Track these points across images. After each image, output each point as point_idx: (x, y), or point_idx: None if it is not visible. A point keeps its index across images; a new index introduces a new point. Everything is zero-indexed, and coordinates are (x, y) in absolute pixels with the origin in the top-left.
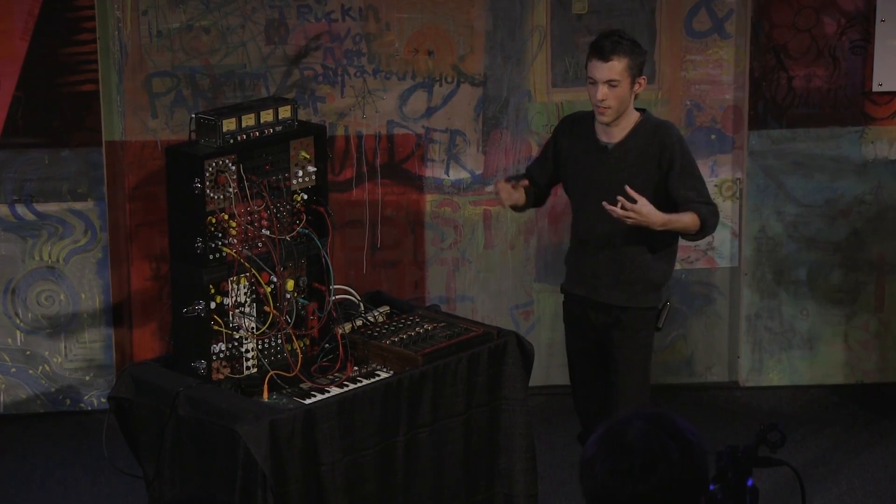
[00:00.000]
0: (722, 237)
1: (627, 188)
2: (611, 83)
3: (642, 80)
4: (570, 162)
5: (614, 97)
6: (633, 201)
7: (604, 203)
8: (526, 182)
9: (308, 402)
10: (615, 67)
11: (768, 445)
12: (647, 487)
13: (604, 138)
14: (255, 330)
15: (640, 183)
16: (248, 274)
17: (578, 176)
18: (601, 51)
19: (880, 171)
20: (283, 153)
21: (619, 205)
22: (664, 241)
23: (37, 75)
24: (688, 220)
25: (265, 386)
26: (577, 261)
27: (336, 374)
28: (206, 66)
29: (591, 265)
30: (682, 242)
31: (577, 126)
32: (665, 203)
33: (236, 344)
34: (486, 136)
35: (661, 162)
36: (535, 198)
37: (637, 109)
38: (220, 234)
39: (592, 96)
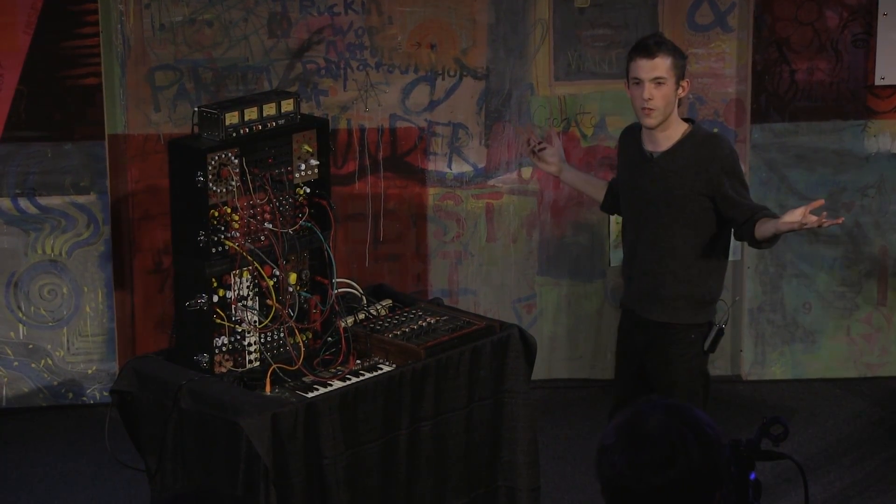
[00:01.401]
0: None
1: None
2: (657, 80)
3: (685, 83)
4: (620, 171)
5: (661, 96)
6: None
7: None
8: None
9: (310, 395)
10: (661, 65)
11: (771, 439)
12: (664, 480)
13: (650, 147)
14: (257, 323)
15: (683, 194)
16: (250, 267)
17: (625, 185)
18: (646, 48)
19: (883, 164)
20: (286, 146)
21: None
22: (711, 255)
23: (39, 69)
24: (771, 226)
25: (267, 379)
26: (626, 273)
27: (338, 368)
28: (208, 59)
29: (635, 278)
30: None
31: (630, 135)
32: (702, 214)
33: (239, 337)
34: (489, 129)
35: (711, 174)
36: (615, 206)
37: (686, 120)
38: (222, 228)
39: (637, 98)
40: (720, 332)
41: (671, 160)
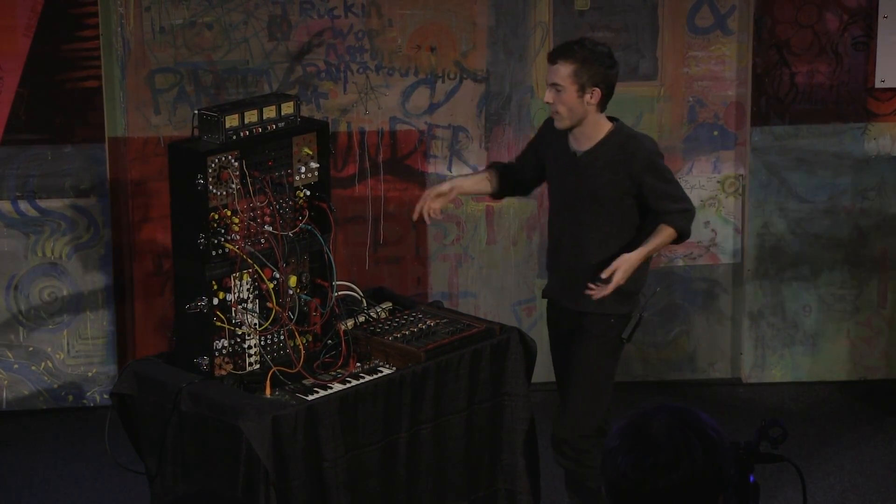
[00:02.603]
0: (725, 233)
1: (592, 292)
2: (555, 87)
3: (595, 90)
4: (548, 165)
5: (560, 102)
6: (608, 281)
7: (589, 288)
8: (451, 193)
9: (310, 398)
10: (559, 72)
11: (770, 441)
12: (668, 483)
13: (574, 145)
14: (257, 326)
15: (606, 192)
16: (250, 270)
17: (552, 180)
18: (551, 53)
19: (883, 167)
20: (286, 149)
21: (598, 289)
22: (634, 248)
23: (40, 71)
24: (664, 237)
25: (268, 382)
26: (550, 265)
27: (338, 371)
28: (208, 62)
29: (562, 270)
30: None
31: (554, 133)
32: (626, 210)
33: (239, 340)
34: (489, 132)
35: (633, 173)
36: (514, 187)
37: (611, 119)
38: (222, 231)
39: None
40: (640, 322)
41: (594, 159)
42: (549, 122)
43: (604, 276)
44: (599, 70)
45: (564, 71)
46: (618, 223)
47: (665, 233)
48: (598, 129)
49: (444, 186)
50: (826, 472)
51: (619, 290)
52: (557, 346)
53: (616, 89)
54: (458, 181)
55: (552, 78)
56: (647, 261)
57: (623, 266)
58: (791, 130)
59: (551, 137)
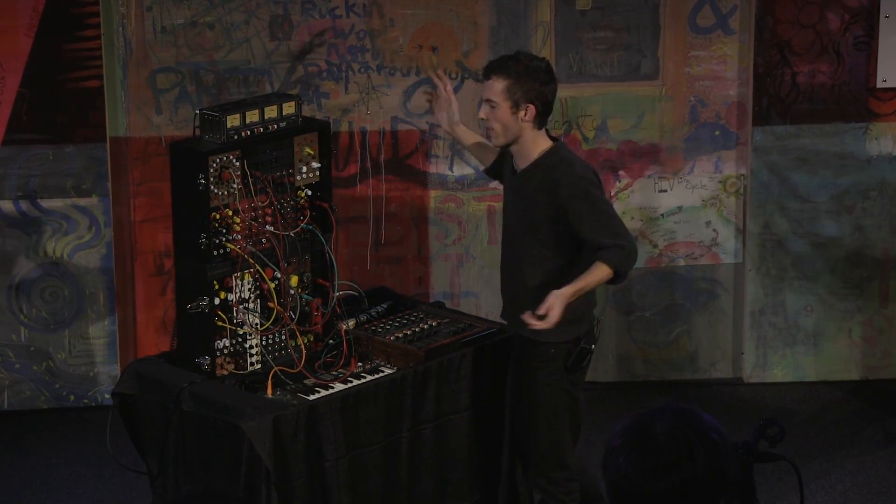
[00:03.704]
0: (726, 233)
1: (525, 317)
2: (489, 103)
3: (529, 107)
4: (503, 179)
5: (494, 118)
6: (542, 316)
7: (526, 319)
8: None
9: (312, 398)
10: (492, 87)
11: (768, 440)
12: (668, 484)
13: (516, 162)
14: (258, 326)
15: (536, 216)
16: (252, 270)
17: (503, 196)
18: (485, 68)
19: (884, 166)
20: (287, 149)
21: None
22: (571, 274)
23: (41, 71)
24: (598, 275)
25: (269, 382)
26: (502, 289)
27: (340, 371)
28: (210, 62)
29: (506, 293)
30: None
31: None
32: (560, 236)
33: (240, 340)
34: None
35: (556, 201)
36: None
37: (553, 139)
38: (224, 230)
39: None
40: (584, 352)
41: (527, 180)
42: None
43: (539, 312)
44: (534, 86)
45: (498, 86)
46: (552, 247)
47: (599, 270)
48: (534, 148)
49: (454, 120)
50: (827, 471)
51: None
52: (511, 370)
53: (617, 89)
54: (465, 131)
55: (486, 94)
56: (591, 291)
57: (556, 304)
58: (792, 130)
59: (506, 161)
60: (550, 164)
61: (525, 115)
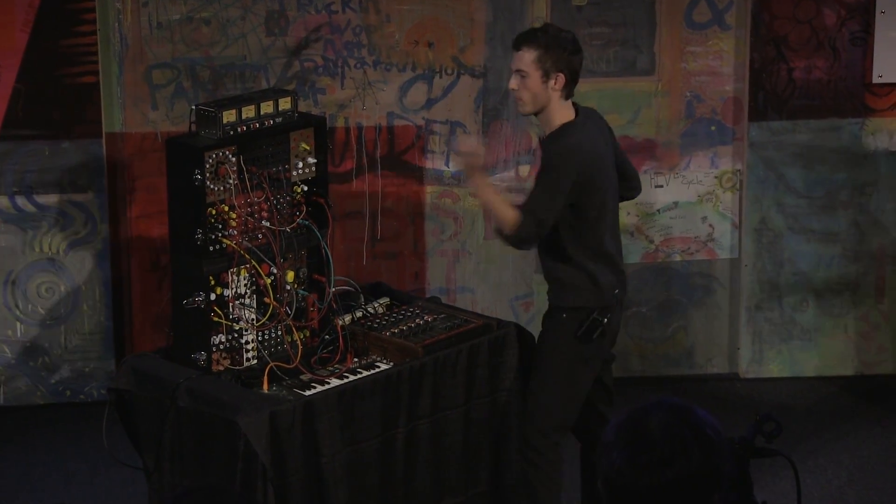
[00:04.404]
0: (722, 228)
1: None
2: (519, 73)
3: (559, 76)
4: None
5: (524, 88)
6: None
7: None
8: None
9: (308, 393)
10: (523, 58)
11: (764, 436)
12: (662, 480)
13: (541, 132)
14: (255, 321)
15: None
16: (248, 265)
17: None
18: (515, 39)
19: (880, 162)
20: (284, 144)
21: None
22: (573, 243)
23: (37, 67)
24: (503, 214)
25: (265, 377)
26: None
27: (336, 366)
28: (206, 57)
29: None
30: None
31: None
32: (570, 206)
33: (236, 335)
34: (487, 127)
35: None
36: None
37: (585, 109)
38: (220, 226)
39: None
40: (595, 323)
41: (543, 150)
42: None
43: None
44: (563, 56)
45: (528, 57)
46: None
47: (507, 213)
48: (557, 118)
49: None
50: (823, 466)
51: (559, 282)
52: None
53: (614, 85)
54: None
55: (517, 64)
56: (590, 256)
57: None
58: (788, 126)
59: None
60: (557, 135)
61: (555, 83)
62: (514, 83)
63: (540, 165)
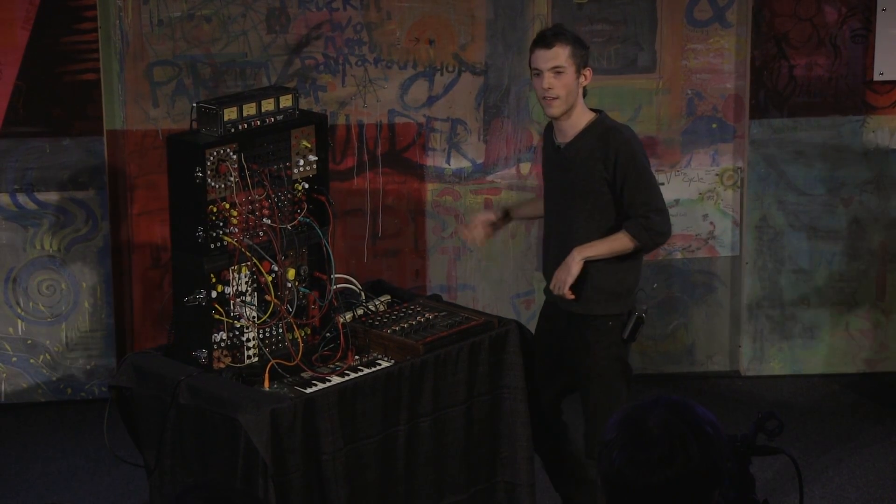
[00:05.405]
0: (723, 226)
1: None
2: (556, 70)
3: (587, 71)
4: (542, 163)
5: (561, 85)
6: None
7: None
8: (497, 218)
9: (309, 391)
10: (559, 54)
11: (766, 433)
12: (662, 478)
13: (559, 138)
14: (256, 319)
15: (586, 185)
16: (249, 263)
17: (543, 177)
18: (544, 39)
19: (881, 159)
20: (284, 142)
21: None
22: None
23: (38, 64)
24: (618, 244)
25: (266, 375)
26: (543, 268)
27: (337, 364)
28: (207, 54)
29: (551, 269)
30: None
31: (548, 130)
32: (607, 205)
33: (237, 333)
34: (487, 124)
35: (607, 165)
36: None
37: (594, 111)
38: (221, 223)
39: (538, 88)
40: (640, 321)
41: (575, 151)
42: (546, 127)
43: (558, 273)
44: (585, 52)
45: (563, 53)
46: (599, 218)
47: (620, 239)
48: (582, 118)
49: (496, 214)
50: (824, 464)
51: (605, 291)
52: (547, 339)
53: (615, 82)
54: (515, 209)
55: (550, 62)
56: (633, 262)
57: (572, 262)
58: (789, 123)
59: (544, 141)
60: (600, 131)
61: (584, 79)
62: (547, 82)
63: (622, 161)
